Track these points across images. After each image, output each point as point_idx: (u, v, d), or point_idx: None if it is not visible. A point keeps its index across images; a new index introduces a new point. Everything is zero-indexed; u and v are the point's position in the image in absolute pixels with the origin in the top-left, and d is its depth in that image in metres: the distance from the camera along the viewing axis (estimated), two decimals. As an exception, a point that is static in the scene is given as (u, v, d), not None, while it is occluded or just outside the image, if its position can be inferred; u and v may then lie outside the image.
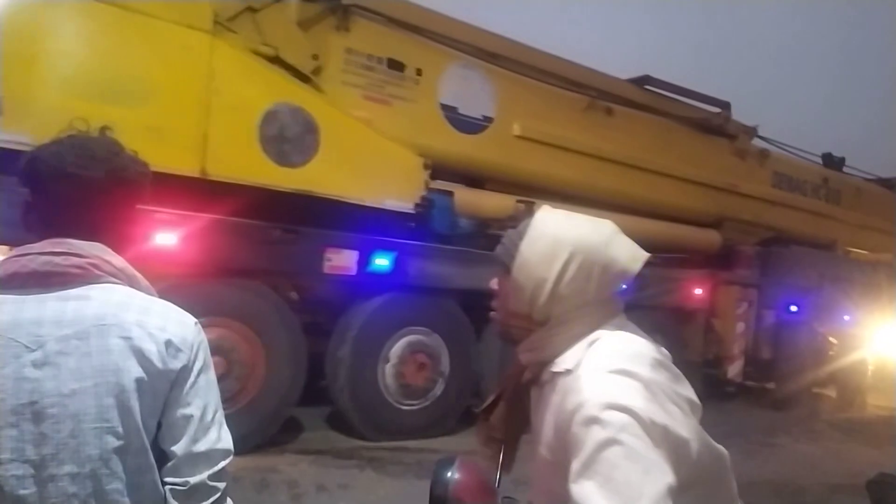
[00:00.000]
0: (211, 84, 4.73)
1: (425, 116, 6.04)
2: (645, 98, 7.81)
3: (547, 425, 1.20)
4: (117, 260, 1.21)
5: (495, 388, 1.50)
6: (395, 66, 5.86)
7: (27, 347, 1.10)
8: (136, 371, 1.12)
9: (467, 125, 6.34)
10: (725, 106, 8.65)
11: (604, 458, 1.03)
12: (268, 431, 5.18)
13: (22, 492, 1.06)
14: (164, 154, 4.34)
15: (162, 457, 1.17)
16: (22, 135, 3.89)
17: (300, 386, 5.30)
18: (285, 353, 5.20)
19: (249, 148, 4.90)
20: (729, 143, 8.74)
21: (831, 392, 9.82)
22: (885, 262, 10.47)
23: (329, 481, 4.88)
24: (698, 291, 8.04)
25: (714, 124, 8.47)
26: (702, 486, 1.13)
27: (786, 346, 8.99)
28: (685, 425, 1.10)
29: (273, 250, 5.08)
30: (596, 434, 1.04)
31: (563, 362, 1.18)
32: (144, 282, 1.24)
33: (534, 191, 6.69)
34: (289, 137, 5.07)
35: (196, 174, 4.69)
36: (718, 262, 8.78)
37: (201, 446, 1.18)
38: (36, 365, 1.09)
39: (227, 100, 4.80)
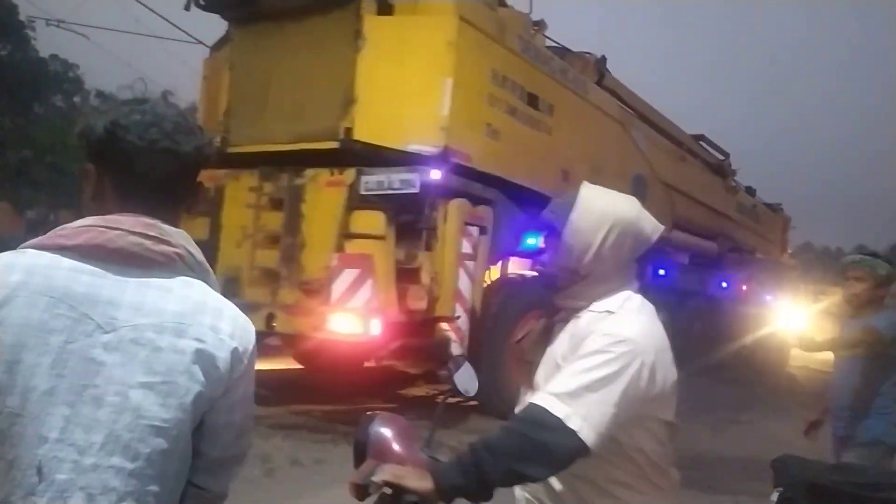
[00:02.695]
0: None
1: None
2: (697, 148, 12.18)
3: (561, 343, 1.51)
4: (197, 252, 1.16)
5: (526, 325, 1.87)
6: None
7: (100, 327, 1.04)
8: (200, 376, 1.08)
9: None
10: (727, 154, 13.23)
11: (597, 358, 1.36)
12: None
13: (59, 476, 1.00)
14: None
15: (193, 456, 1.14)
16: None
17: None
18: None
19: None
20: (723, 181, 12.90)
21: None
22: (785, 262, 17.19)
23: (304, 456, 4.81)
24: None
25: (722, 168, 12.94)
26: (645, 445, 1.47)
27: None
28: (662, 390, 1.42)
29: None
30: (608, 342, 1.37)
31: (604, 306, 1.47)
32: (213, 277, 1.20)
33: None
34: None
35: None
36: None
37: (232, 452, 1.18)
38: (106, 348, 1.03)
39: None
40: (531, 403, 1.36)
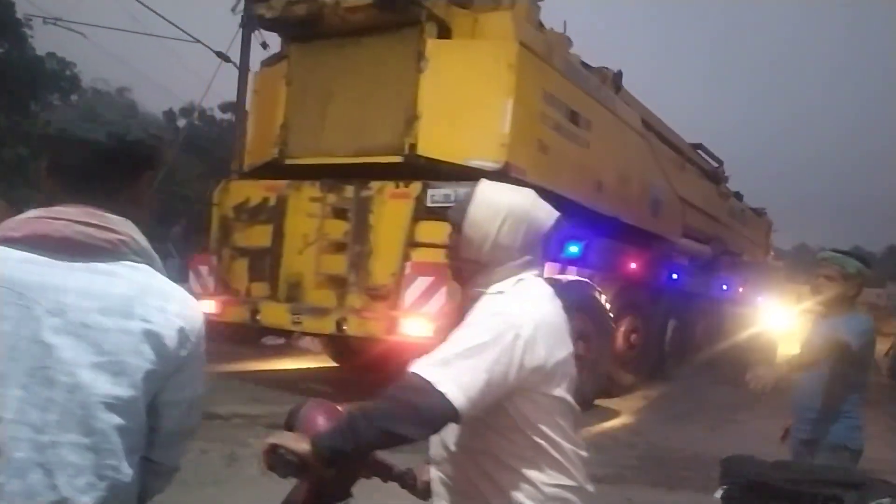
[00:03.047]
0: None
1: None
2: (695, 156, 12.74)
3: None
4: (142, 238, 1.21)
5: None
6: None
7: (49, 312, 1.08)
8: (150, 355, 1.13)
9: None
10: (720, 162, 13.89)
11: (472, 329, 1.46)
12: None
13: (17, 454, 1.05)
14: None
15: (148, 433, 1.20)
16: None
17: None
18: None
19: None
20: (716, 186, 13.49)
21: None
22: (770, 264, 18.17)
23: None
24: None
25: (716, 175, 13.57)
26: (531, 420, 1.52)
27: None
28: (544, 363, 1.48)
29: None
30: (484, 316, 1.49)
31: (497, 288, 1.57)
32: (160, 263, 1.24)
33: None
34: None
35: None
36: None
37: (184, 426, 1.25)
38: (56, 331, 1.08)
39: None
40: (407, 371, 1.42)
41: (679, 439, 6.83)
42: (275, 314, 7.08)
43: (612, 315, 8.24)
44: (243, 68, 13.97)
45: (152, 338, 1.13)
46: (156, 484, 1.26)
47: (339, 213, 6.98)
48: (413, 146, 6.67)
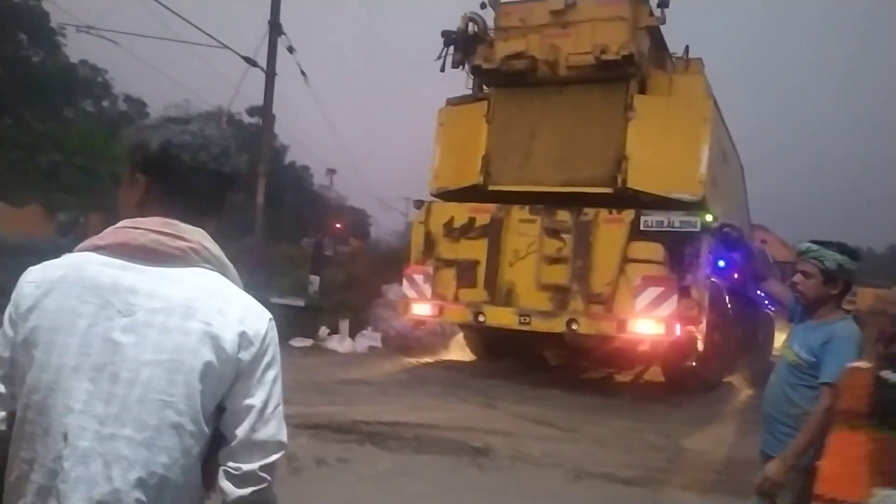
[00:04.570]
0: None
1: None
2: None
3: None
4: (214, 247, 1.27)
5: None
6: None
7: (119, 312, 1.17)
8: (209, 356, 1.17)
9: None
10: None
11: None
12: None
13: (82, 443, 1.12)
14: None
15: (222, 441, 1.23)
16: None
17: None
18: None
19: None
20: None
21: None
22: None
23: (329, 455, 4.86)
24: None
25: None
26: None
27: None
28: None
29: None
30: None
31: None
32: (233, 271, 1.29)
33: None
34: None
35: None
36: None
37: (259, 436, 1.22)
38: (124, 330, 1.16)
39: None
40: None
41: (710, 442, 6.69)
42: (500, 316, 8.53)
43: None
44: (270, 73, 14.69)
45: (211, 339, 1.18)
46: (241, 491, 1.22)
47: (552, 233, 8.48)
48: (624, 180, 8.24)
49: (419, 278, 9.11)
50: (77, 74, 27.52)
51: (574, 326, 8.05)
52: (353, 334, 11.74)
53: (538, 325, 8.34)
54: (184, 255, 1.22)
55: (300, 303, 12.08)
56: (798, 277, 2.83)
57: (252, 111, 31.12)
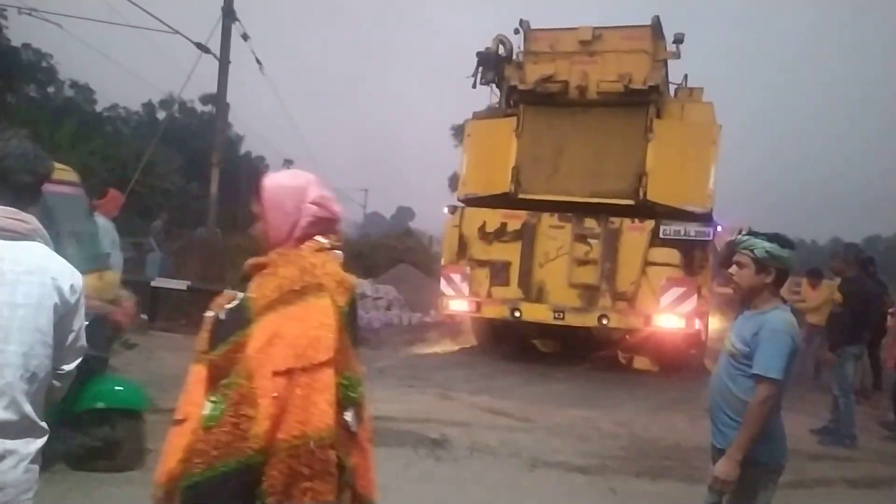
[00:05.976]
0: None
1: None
2: None
3: None
4: (42, 228, 1.90)
5: None
6: None
7: None
8: (56, 299, 1.82)
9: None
10: None
11: None
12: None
13: None
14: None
15: (55, 351, 1.86)
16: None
17: None
18: None
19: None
20: None
21: None
22: None
23: None
24: None
25: None
26: None
27: None
28: None
29: None
30: None
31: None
32: (51, 243, 1.92)
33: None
34: None
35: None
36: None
37: (77, 345, 1.94)
38: (1, 284, 1.75)
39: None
40: None
41: (661, 429, 6.76)
42: (535, 312, 9.62)
43: None
44: (224, 60, 14.46)
45: (56, 289, 1.82)
46: (62, 384, 1.95)
47: (580, 238, 9.64)
48: (644, 193, 9.49)
49: (456, 277, 10.05)
50: (20, 58, 26.31)
51: (605, 321, 9.24)
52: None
53: (572, 319, 9.48)
54: (29, 233, 1.83)
55: (253, 294, 12.42)
56: (733, 269, 2.91)
57: (205, 99, 30.59)
